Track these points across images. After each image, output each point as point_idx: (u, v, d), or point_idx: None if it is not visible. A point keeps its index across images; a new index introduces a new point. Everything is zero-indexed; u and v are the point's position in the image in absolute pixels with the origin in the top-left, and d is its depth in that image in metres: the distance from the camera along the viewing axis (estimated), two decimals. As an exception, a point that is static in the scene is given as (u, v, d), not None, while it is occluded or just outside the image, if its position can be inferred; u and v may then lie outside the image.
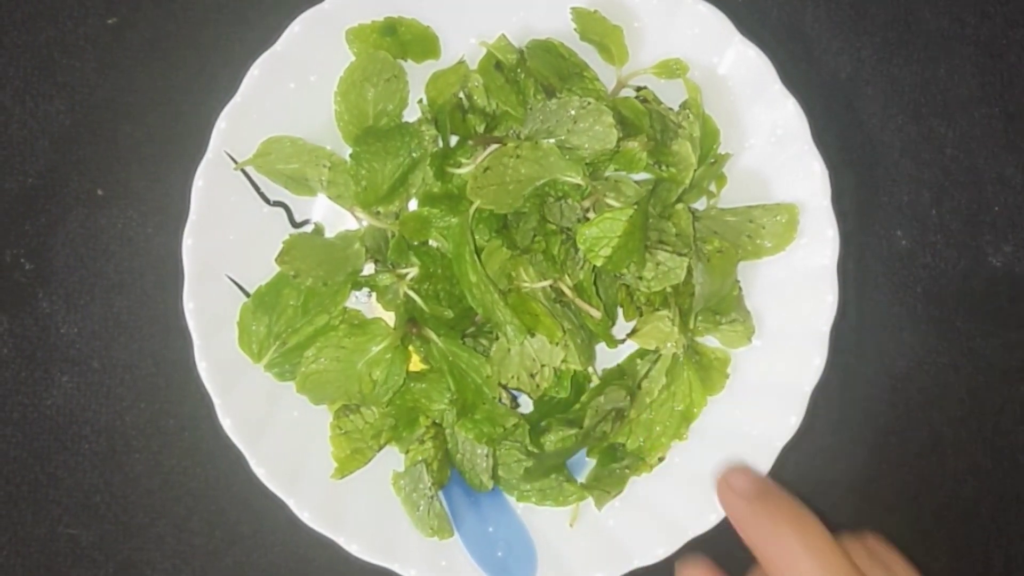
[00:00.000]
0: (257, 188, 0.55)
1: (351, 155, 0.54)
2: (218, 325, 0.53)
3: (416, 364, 0.56)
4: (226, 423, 0.53)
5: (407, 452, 0.55)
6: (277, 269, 0.53)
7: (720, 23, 0.54)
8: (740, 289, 0.56)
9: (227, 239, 0.54)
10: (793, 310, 0.56)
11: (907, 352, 0.61)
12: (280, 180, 0.55)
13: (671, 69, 0.55)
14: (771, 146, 0.56)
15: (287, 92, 0.54)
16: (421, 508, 0.55)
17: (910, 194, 0.61)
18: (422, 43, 0.55)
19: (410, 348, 0.55)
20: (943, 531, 0.60)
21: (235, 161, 0.54)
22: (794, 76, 0.55)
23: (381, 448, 0.55)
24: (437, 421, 0.55)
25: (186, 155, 0.53)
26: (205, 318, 0.53)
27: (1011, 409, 0.60)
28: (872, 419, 0.61)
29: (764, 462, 0.54)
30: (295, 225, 0.56)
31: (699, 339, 0.57)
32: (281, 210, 0.55)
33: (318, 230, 0.56)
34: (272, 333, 0.54)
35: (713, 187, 0.57)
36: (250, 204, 0.55)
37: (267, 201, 0.55)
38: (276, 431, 0.54)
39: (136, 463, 0.59)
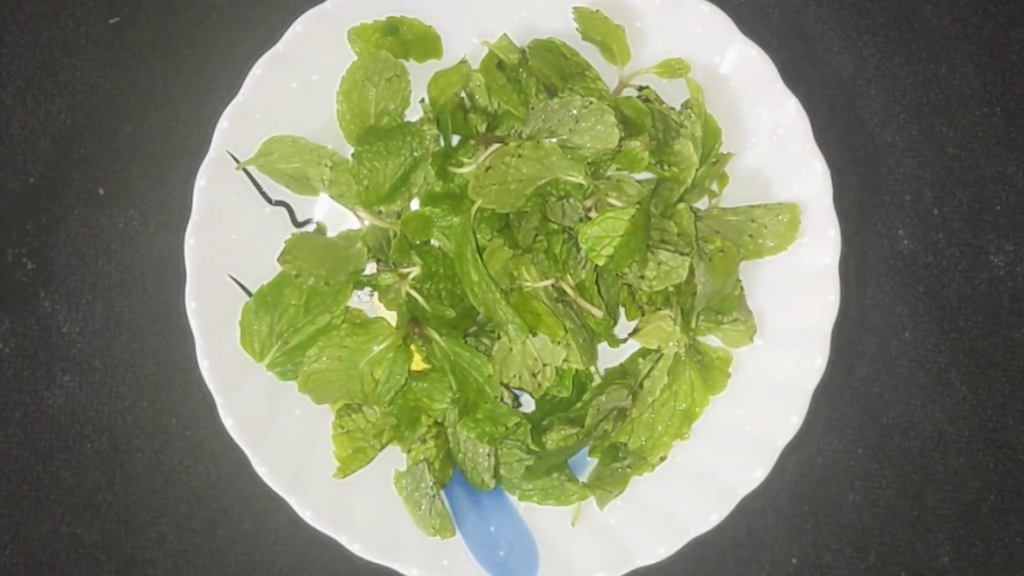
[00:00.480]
0: (259, 187, 0.55)
1: (353, 154, 0.54)
2: (220, 324, 0.54)
3: (418, 363, 0.56)
4: (228, 422, 0.53)
5: (409, 451, 0.55)
6: (279, 268, 0.53)
7: (722, 22, 0.54)
8: (742, 289, 0.56)
9: (229, 238, 0.54)
10: (795, 310, 0.56)
11: (908, 351, 0.61)
12: (282, 179, 0.55)
13: (673, 69, 0.56)
14: (773, 145, 0.56)
15: (289, 92, 0.55)
16: (423, 507, 0.55)
17: (912, 193, 0.61)
18: (424, 43, 0.55)
19: (412, 347, 0.55)
20: (945, 530, 0.60)
21: (237, 161, 0.54)
22: (796, 75, 0.55)
23: (383, 447, 0.55)
24: (439, 420, 0.56)
25: (188, 154, 0.54)
26: (207, 317, 0.53)
27: (1013, 408, 0.61)
28: (873, 418, 0.61)
29: (766, 461, 0.54)
30: (297, 224, 0.56)
31: (701, 338, 0.57)
32: (283, 209, 0.56)
33: (320, 229, 0.56)
34: (274, 332, 0.54)
35: (715, 186, 0.57)
36: (252, 203, 0.55)
37: (269, 200, 0.55)
38: (278, 430, 0.54)
39: (138, 462, 0.59)
